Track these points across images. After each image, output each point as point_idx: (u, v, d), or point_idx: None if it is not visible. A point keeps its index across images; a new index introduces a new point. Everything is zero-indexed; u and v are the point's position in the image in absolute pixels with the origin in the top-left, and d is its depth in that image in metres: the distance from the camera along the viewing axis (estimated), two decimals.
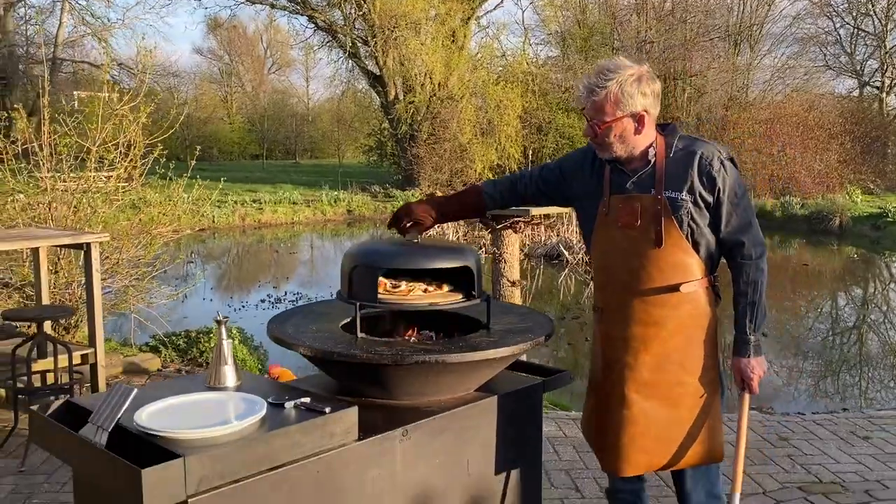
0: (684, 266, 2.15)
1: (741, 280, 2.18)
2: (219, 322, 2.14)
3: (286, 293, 10.25)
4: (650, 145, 2.20)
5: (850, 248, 16.54)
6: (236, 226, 19.07)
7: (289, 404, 1.91)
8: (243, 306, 9.52)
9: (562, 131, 26.73)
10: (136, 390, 1.79)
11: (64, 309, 4.27)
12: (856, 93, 32.41)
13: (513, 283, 4.52)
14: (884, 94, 30.75)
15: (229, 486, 1.68)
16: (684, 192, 2.14)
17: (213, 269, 13.67)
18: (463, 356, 2.11)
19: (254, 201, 20.84)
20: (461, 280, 2.40)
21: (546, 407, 4.47)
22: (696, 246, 2.16)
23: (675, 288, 2.15)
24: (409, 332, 2.46)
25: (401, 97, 26.74)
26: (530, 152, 25.45)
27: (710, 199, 2.15)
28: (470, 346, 2.17)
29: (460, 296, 2.33)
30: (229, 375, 2.10)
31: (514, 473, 2.38)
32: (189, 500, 1.61)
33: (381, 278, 2.32)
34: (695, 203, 2.14)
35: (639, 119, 2.15)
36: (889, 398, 6.45)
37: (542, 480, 2.56)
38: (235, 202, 20.19)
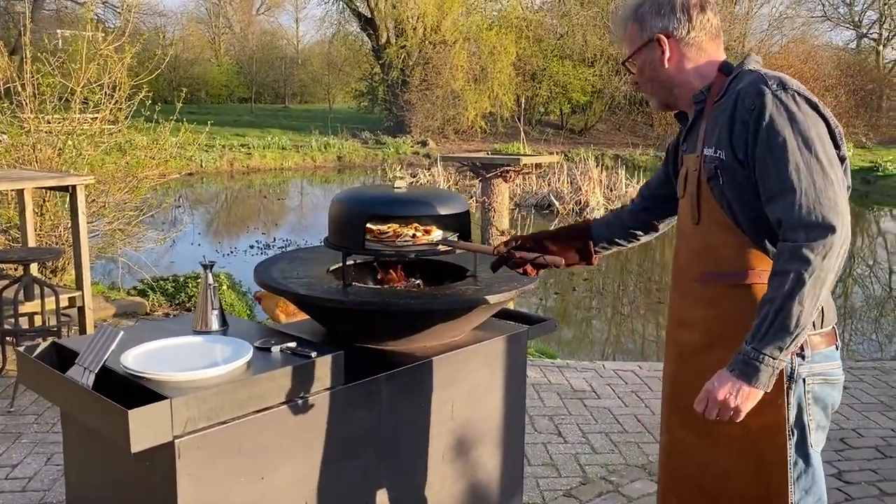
0: (724, 249, 1.60)
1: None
2: (205, 266, 2.13)
3: (275, 239, 10.23)
4: (702, 88, 1.69)
5: None
6: (224, 170, 18.91)
7: (275, 349, 1.93)
8: (232, 252, 9.51)
9: (556, 79, 26.44)
10: (122, 332, 1.79)
11: (51, 251, 4.25)
12: (853, 45, 32.11)
13: (502, 233, 4.53)
14: (881, 47, 30.48)
15: (216, 427, 1.70)
16: (721, 148, 1.58)
17: (202, 215, 13.60)
18: (448, 304, 2.13)
19: (242, 146, 20.62)
20: (450, 227, 2.40)
21: (532, 355, 4.53)
22: (741, 223, 1.58)
23: (711, 277, 1.62)
24: (397, 278, 2.47)
25: (392, 41, 26.27)
26: (523, 100, 25.18)
27: (745, 153, 1.54)
28: (456, 294, 2.18)
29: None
30: (215, 320, 2.11)
31: (498, 418, 2.43)
32: (175, 441, 1.63)
33: (368, 224, 2.32)
34: (732, 162, 1.56)
35: (660, 42, 1.68)
36: (871, 350, 6.57)
37: (524, 421, 2.61)
38: (223, 146, 19.98)
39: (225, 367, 1.76)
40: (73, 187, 4.08)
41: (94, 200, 5.45)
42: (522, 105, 24.89)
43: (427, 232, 2.28)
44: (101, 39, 5.47)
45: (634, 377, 4.28)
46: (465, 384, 2.30)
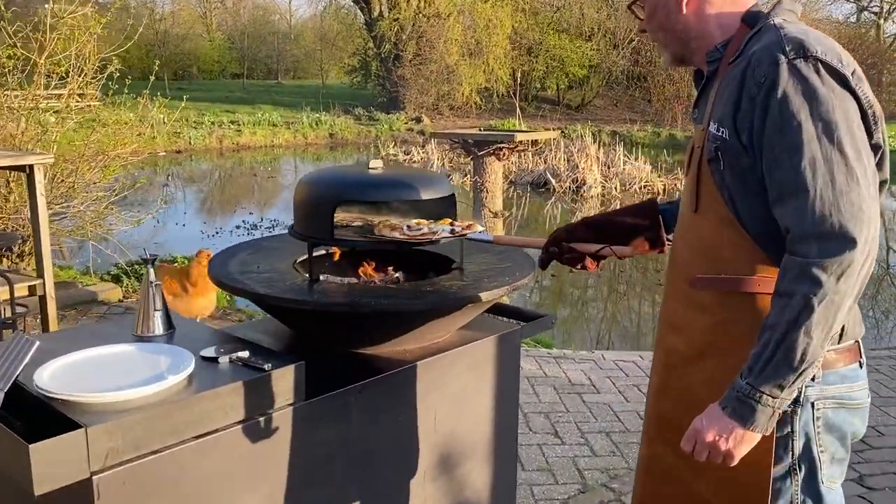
0: (724, 248, 1.31)
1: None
2: (146, 261, 1.84)
3: (262, 219, 9.92)
4: (719, 44, 1.36)
5: None
6: (214, 148, 18.52)
7: (223, 359, 1.64)
8: (217, 232, 9.20)
9: (553, 53, 25.96)
10: (38, 342, 1.51)
11: (5, 236, 3.94)
12: (853, 18, 31.63)
13: (495, 215, 4.24)
14: (881, 20, 30.03)
15: (147, 457, 1.42)
16: (725, 126, 1.27)
17: (190, 193, 13.26)
18: (430, 304, 1.84)
19: (232, 122, 20.20)
20: (432, 214, 2.11)
21: (527, 344, 4.26)
22: (743, 219, 1.28)
23: (707, 280, 1.34)
24: (373, 271, 2.18)
25: (385, 14, 25.72)
26: (519, 75, 24.75)
27: (750, 137, 1.23)
28: (439, 291, 1.90)
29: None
30: (159, 323, 1.82)
31: (488, 428, 2.15)
32: (94, 477, 1.35)
33: (391, 219, 2.03)
34: (735, 145, 1.25)
35: None
36: (886, 337, 6.27)
37: (518, 427, 2.34)
38: (213, 123, 19.56)
39: (158, 385, 1.48)
40: (31, 167, 3.77)
41: (63, 181, 5.13)
42: (518, 80, 24.47)
43: (470, 227, 1.92)
44: (65, 11, 5.10)
45: (636, 369, 4.02)
46: (449, 392, 2.02)
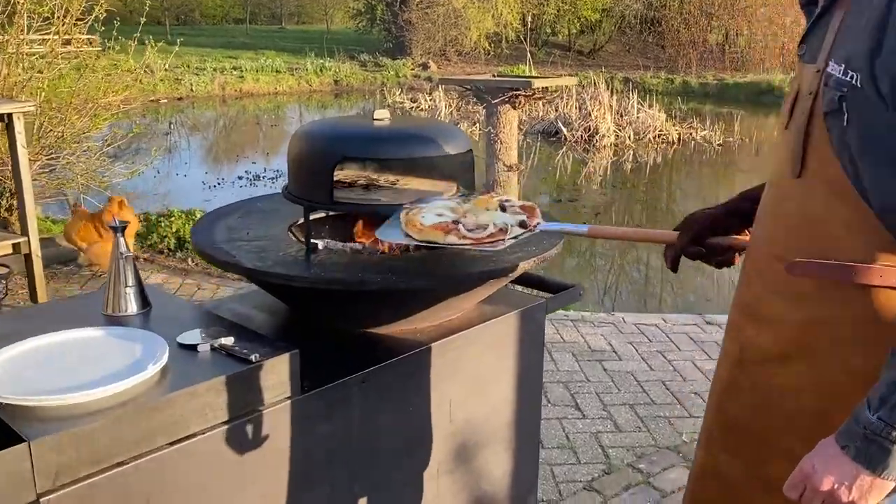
0: (834, 225, 1.02)
1: None
2: (115, 229, 1.59)
3: (266, 170, 9.60)
4: None
5: None
6: (216, 95, 18.07)
7: (204, 347, 1.40)
8: (219, 183, 8.91)
9: None
10: None
11: None
12: None
13: (509, 168, 3.94)
14: None
15: (110, 470, 1.19)
16: (856, 68, 0.95)
17: (191, 142, 12.93)
18: (445, 281, 1.58)
19: (234, 69, 19.68)
20: (445, 174, 1.84)
21: None
22: (866, 191, 0.97)
23: (808, 267, 1.04)
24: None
25: None
26: (529, 19, 23.99)
27: (891, 84, 0.91)
28: (455, 262, 1.63)
29: (443, 191, 1.78)
30: (132, 300, 1.57)
31: (509, 414, 1.92)
32: (42, 500, 1.12)
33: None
34: (871, 95, 0.93)
35: None
36: None
37: (541, 413, 2.11)
38: (215, 69, 19.07)
39: (124, 382, 1.23)
40: (9, 116, 3.49)
41: (51, 130, 4.85)
42: (528, 24, 23.73)
43: (531, 213, 1.47)
44: None
45: (659, 333, 3.78)
46: (466, 376, 1.78)
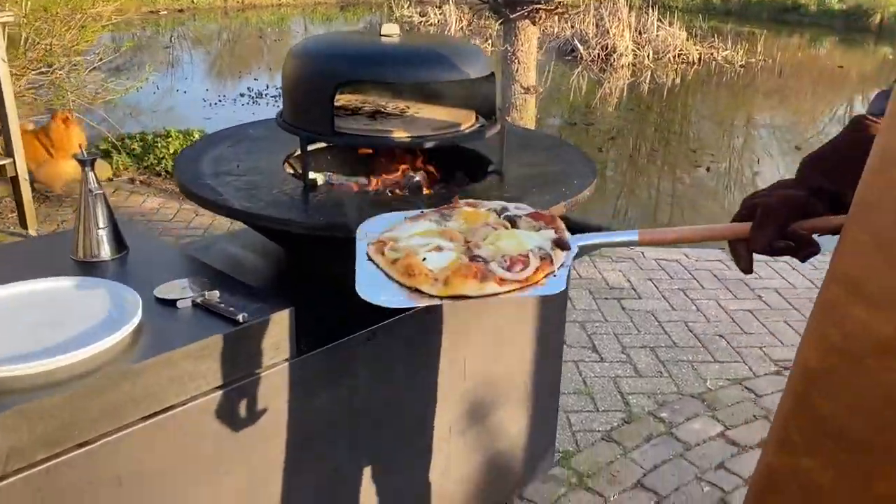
0: None
1: None
2: (82, 162, 1.37)
3: (268, 87, 9.23)
4: None
5: (888, 48, 15.19)
6: (218, 7, 17.38)
7: (184, 303, 1.21)
8: (220, 100, 8.58)
9: None
10: None
11: None
12: None
13: (526, 91, 3.66)
14: None
15: (70, 452, 1.02)
16: None
17: (193, 56, 12.47)
18: None
19: None
20: (464, 98, 1.61)
21: None
22: None
23: None
24: (386, 172, 1.70)
25: None
26: None
27: None
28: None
29: (460, 121, 1.56)
30: (105, 243, 1.38)
31: (527, 371, 1.75)
32: None
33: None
34: None
35: None
36: None
37: (561, 368, 1.94)
38: None
39: (87, 349, 1.05)
40: None
41: (38, 43, 4.55)
42: None
43: (557, 226, 0.98)
44: None
45: (680, 269, 3.59)
46: (480, 330, 1.61)
